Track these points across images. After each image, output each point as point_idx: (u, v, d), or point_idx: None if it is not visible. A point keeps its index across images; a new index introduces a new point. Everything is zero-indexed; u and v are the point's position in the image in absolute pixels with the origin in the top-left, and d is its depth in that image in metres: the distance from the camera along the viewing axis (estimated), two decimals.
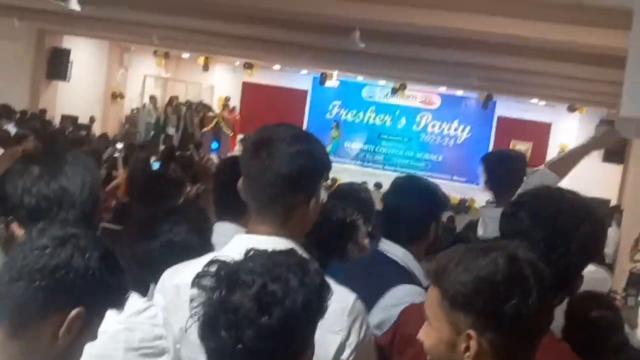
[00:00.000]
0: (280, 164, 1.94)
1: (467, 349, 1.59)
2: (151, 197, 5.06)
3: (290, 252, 1.59)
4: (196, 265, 1.85)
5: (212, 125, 20.92)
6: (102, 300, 1.63)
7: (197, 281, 1.47)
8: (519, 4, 7.42)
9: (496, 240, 1.81)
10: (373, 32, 9.39)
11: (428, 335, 1.66)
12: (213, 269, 1.47)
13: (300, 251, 1.78)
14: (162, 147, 15.46)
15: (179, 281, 1.95)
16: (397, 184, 2.98)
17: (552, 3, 7.24)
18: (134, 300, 1.97)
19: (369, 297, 2.37)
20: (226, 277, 1.44)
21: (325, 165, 2.08)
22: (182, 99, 22.50)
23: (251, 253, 1.54)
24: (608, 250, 11.18)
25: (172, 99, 22.28)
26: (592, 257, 2.10)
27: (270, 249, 1.58)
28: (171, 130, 20.79)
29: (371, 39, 9.79)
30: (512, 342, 1.59)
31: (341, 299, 1.86)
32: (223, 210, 3.03)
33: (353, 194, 3.85)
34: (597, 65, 9.25)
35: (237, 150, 19.29)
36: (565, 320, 2.90)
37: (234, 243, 2.00)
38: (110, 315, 1.71)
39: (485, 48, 9.60)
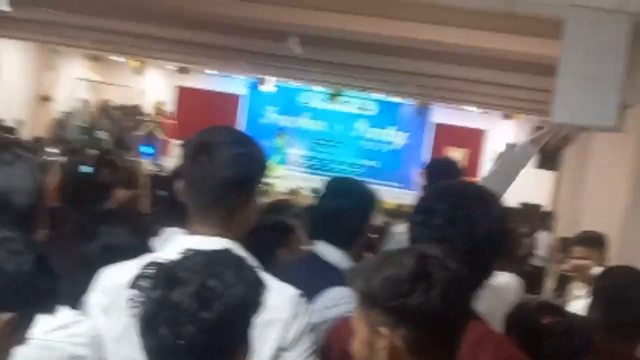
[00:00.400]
0: (221, 167, 1.98)
1: (386, 346, 1.61)
2: (82, 200, 4.99)
3: (226, 251, 1.62)
4: (134, 265, 1.87)
5: (145, 130, 20.63)
6: (33, 304, 1.62)
7: (135, 282, 1.48)
8: (453, 12, 7.47)
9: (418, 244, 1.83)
10: (310, 38, 9.39)
11: (354, 340, 1.70)
12: (151, 270, 1.49)
13: (239, 250, 1.84)
14: (93, 152, 15.17)
15: (119, 281, 1.91)
16: (331, 187, 2.99)
17: (485, 12, 7.31)
18: (64, 313, 1.96)
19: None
20: (165, 276, 1.46)
21: (263, 168, 2.11)
22: (114, 103, 22.14)
23: (189, 252, 1.55)
24: (541, 253, 11.39)
25: (103, 103, 21.89)
26: (500, 251, 2.08)
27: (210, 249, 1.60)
28: (103, 135, 20.42)
29: (308, 45, 9.79)
30: (424, 336, 1.61)
31: (284, 292, 1.94)
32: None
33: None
34: (530, 73, 9.40)
35: (172, 155, 19.04)
36: (517, 330, 2.89)
37: (174, 244, 2.01)
38: (39, 323, 1.68)
39: (421, 56, 9.68)
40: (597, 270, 4.64)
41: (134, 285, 1.49)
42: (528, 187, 18.44)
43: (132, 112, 21.67)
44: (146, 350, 1.48)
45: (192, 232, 2.05)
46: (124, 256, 2.13)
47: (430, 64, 10.54)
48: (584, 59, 3.37)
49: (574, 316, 2.99)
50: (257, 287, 1.52)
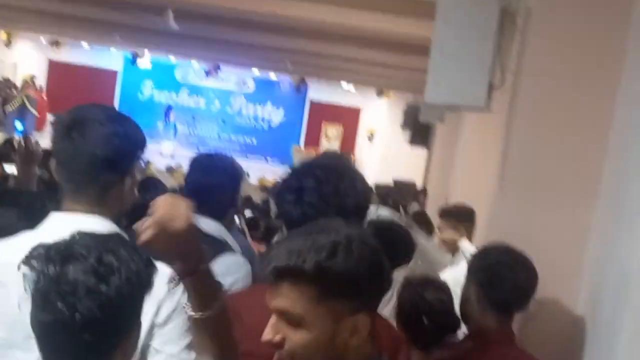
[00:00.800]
0: (93, 145, 1.96)
1: (354, 332, 1.59)
2: None
3: (115, 233, 1.65)
4: (15, 242, 1.92)
5: (17, 104, 19.80)
6: None
7: (27, 261, 1.47)
8: None
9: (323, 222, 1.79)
10: (186, 13, 9.29)
11: (294, 335, 1.59)
12: (41, 249, 1.48)
13: (113, 228, 1.88)
14: None
15: (3, 260, 1.87)
16: (200, 162, 3.04)
17: None
18: None
19: None
20: (59, 252, 1.46)
21: (139, 146, 2.10)
22: None
23: (80, 232, 1.55)
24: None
25: None
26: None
27: (86, 227, 1.60)
28: None
29: (185, 20, 9.68)
30: (373, 316, 1.64)
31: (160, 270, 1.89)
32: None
33: None
34: (404, 52, 9.65)
35: (46, 131, 18.41)
36: (406, 306, 3.04)
37: (51, 221, 1.99)
38: None
39: (297, 33, 9.76)
40: (463, 242, 4.90)
41: (25, 262, 1.48)
42: (402, 164, 19.00)
43: (2, 86, 20.71)
44: (40, 326, 1.47)
45: (66, 209, 2.02)
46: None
47: (307, 41, 10.65)
48: (454, 40, 3.52)
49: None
50: (149, 265, 1.54)
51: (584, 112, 3.12)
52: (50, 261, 1.45)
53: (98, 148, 1.96)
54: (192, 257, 1.70)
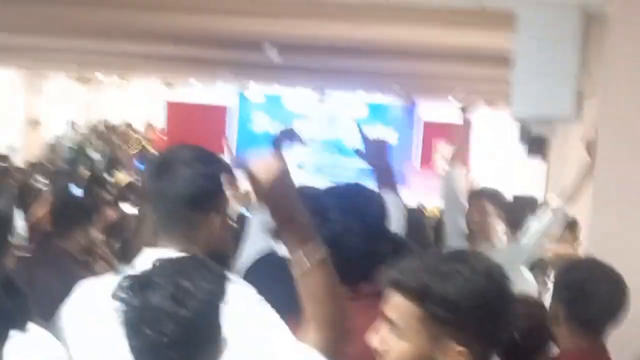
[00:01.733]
0: (178, 185, 2.08)
1: None
2: (71, 223, 4.98)
3: (189, 255, 1.81)
4: (106, 280, 2.05)
5: (138, 148, 20.67)
6: (3, 323, 1.76)
7: (115, 294, 1.65)
8: (428, 13, 7.59)
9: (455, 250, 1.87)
10: (289, 45, 9.48)
11: (396, 345, 1.66)
12: (127, 282, 1.66)
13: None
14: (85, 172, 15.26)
15: (92, 296, 2.10)
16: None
17: (455, 9, 7.44)
18: (37, 332, 2.00)
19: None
20: (141, 283, 1.63)
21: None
22: (105, 122, 22.18)
23: (157, 260, 1.73)
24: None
25: (91, 123, 21.96)
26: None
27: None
28: (95, 156, 20.45)
29: (288, 52, 9.88)
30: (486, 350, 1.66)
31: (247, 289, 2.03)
32: None
33: None
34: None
35: None
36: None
37: (143, 257, 2.10)
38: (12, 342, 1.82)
39: (401, 56, 9.78)
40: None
41: (114, 296, 1.64)
42: (521, 179, 18.54)
43: (123, 131, 21.69)
44: (134, 351, 1.63)
45: (159, 247, 2.13)
46: None
47: (409, 62, 10.66)
48: (537, 51, 3.48)
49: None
50: (221, 280, 1.70)
51: None
52: (133, 292, 1.62)
53: (181, 188, 2.06)
54: (282, 208, 1.80)
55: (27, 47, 13.04)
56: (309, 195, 2.32)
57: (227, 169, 2.17)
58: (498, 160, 20.90)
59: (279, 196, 1.78)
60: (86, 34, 10.57)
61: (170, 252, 2.04)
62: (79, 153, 20.50)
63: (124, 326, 1.64)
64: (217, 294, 1.67)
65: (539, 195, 16.68)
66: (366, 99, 22.10)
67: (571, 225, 5.03)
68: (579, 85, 3.45)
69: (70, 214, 5.09)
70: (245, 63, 12.91)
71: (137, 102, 23.02)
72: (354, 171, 22.52)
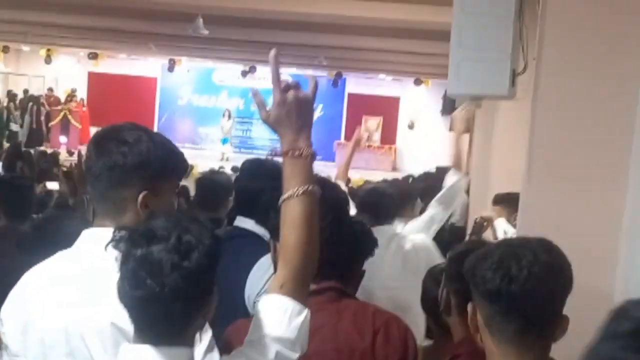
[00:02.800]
0: (105, 162, 2.03)
1: None
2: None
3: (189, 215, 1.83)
4: (54, 264, 2.01)
5: (59, 118, 20.18)
6: None
7: (115, 244, 1.68)
8: None
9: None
10: (217, 18, 9.38)
11: None
12: (125, 233, 1.69)
13: None
14: (6, 145, 14.84)
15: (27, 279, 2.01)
16: (246, 168, 3.12)
17: None
18: None
19: (240, 267, 2.66)
20: (143, 236, 1.66)
21: (151, 164, 2.10)
22: (24, 93, 21.58)
23: (154, 215, 1.75)
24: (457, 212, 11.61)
25: (10, 94, 21.31)
26: None
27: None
28: (15, 127, 19.89)
29: (216, 25, 9.78)
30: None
31: None
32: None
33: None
34: (436, 39, 9.60)
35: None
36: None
37: (83, 236, 2.07)
38: None
39: (329, 29, 9.80)
40: (499, 220, 4.90)
41: (114, 246, 1.67)
42: (445, 151, 18.84)
43: (44, 101, 21.12)
44: (134, 300, 1.67)
45: (96, 225, 2.08)
46: None
47: (340, 36, 10.69)
48: (473, 29, 3.50)
49: None
50: (217, 239, 1.76)
51: (608, 97, 3.08)
52: (136, 243, 1.66)
53: (108, 164, 2.03)
54: (290, 134, 1.89)
55: None
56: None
57: (153, 150, 2.12)
58: (422, 133, 21.23)
59: (303, 109, 1.88)
60: (9, 4, 10.26)
61: (107, 231, 1.92)
62: None
63: (123, 276, 1.66)
64: (214, 249, 1.73)
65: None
66: (292, 73, 22.12)
67: (509, 200, 5.14)
68: (513, 64, 3.50)
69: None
70: (174, 36, 12.73)
71: (61, 74, 22.48)
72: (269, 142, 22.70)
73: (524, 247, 1.92)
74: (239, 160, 17.34)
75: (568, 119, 3.15)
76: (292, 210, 1.88)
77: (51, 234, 2.81)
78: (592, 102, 3.11)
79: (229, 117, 21.77)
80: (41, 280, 1.98)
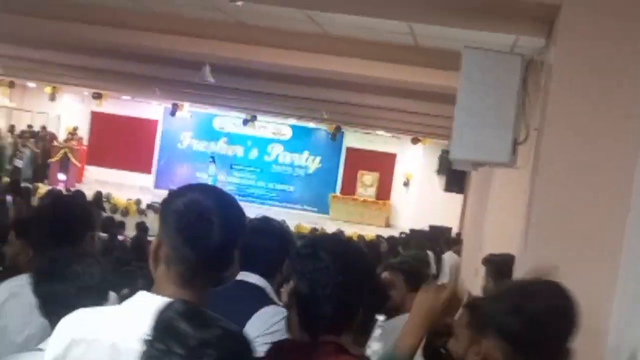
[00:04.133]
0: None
1: None
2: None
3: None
4: (96, 316, 1.92)
5: (59, 156, 20.25)
6: None
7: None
8: (362, 45, 7.78)
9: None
10: (223, 67, 9.52)
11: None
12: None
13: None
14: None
15: (75, 335, 1.90)
16: (253, 225, 3.21)
17: (390, 44, 7.65)
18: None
19: (237, 318, 2.57)
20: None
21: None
22: (27, 129, 21.70)
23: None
24: (444, 272, 11.64)
25: (12, 128, 21.44)
26: None
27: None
28: (19, 163, 19.96)
29: (221, 74, 9.92)
30: None
31: None
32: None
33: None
34: (436, 101, 9.77)
35: (85, 183, 18.70)
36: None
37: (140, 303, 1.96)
38: None
39: (332, 85, 9.94)
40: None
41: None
42: (439, 210, 18.96)
43: (47, 139, 21.25)
44: None
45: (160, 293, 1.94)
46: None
47: (343, 92, 10.85)
48: (478, 97, 3.61)
49: None
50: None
51: (607, 166, 3.18)
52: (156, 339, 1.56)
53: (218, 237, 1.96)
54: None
55: None
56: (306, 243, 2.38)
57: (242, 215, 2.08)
58: (417, 190, 21.37)
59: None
60: (18, 41, 10.42)
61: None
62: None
63: None
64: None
65: (453, 225, 17.16)
66: (292, 124, 22.34)
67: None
68: (515, 132, 3.61)
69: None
70: (177, 81, 12.89)
71: (64, 111, 22.65)
72: (266, 190, 22.77)
73: None
74: None
75: (567, 188, 3.25)
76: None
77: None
78: (591, 173, 3.21)
79: (214, 161, 22.03)
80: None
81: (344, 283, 2.21)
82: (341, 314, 2.25)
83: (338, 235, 2.52)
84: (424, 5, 4.61)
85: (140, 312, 1.80)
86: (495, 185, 7.48)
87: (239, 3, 5.92)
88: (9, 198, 10.79)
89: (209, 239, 1.89)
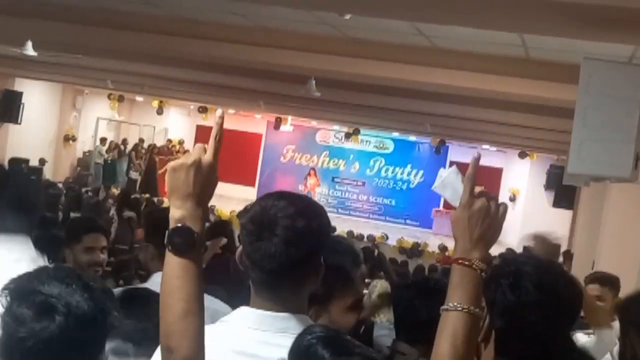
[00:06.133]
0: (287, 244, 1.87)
1: None
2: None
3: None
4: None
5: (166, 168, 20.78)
6: None
7: None
8: (470, 57, 7.64)
9: None
10: (328, 81, 9.55)
11: None
12: None
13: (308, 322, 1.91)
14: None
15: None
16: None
17: (500, 57, 7.49)
18: None
19: None
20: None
21: (327, 237, 2.06)
22: (133, 142, 22.41)
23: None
24: None
25: (125, 142, 22.20)
26: None
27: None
28: (134, 175, 20.64)
29: (326, 87, 9.95)
30: None
31: None
32: None
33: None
34: (547, 114, 9.52)
35: None
36: None
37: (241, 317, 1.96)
38: None
39: (438, 98, 9.82)
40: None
41: None
42: (545, 226, 18.46)
43: (158, 152, 21.87)
44: None
45: (259, 307, 1.90)
46: None
47: (449, 106, 10.69)
48: (598, 111, 3.47)
49: None
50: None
51: None
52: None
53: (290, 247, 1.85)
54: (465, 242, 1.84)
55: (69, 64, 13.28)
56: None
57: (325, 223, 1.99)
58: (524, 206, 20.90)
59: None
60: (128, 57, 10.73)
61: (273, 316, 1.89)
62: (109, 171, 20.71)
63: None
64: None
65: (562, 242, 16.69)
66: (395, 137, 22.23)
67: (610, 280, 4.97)
68: (637, 146, 3.45)
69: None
70: (284, 95, 13.02)
71: (170, 125, 23.28)
72: (368, 204, 22.65)
73: None
74: (334, 222, 17.41)
75: None
76: (453, 322, 1.77)
77: None
78: None
79: (315, 175, 22.10)
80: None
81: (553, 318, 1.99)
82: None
83: (541, 259, 2.27)
84: (536, 16, 4.47)
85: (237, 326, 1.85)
86: (612, 201, 7.21)
87: (347, 17, 5.91)
88: (129, 213, 11.20)
89: (267, 250, 1.84)
